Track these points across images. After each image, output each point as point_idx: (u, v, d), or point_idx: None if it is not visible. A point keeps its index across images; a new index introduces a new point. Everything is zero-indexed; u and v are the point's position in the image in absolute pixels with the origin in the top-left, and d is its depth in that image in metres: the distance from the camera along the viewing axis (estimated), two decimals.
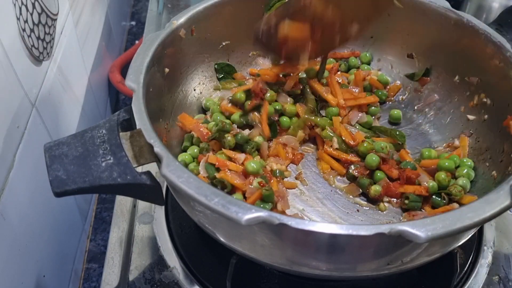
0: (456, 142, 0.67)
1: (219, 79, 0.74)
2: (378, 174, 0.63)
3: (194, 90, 0.71)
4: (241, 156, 0.61)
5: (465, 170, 0.61)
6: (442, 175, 0.61)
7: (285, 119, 0.68)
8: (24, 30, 0.60)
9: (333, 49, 0.76)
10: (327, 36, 0.64)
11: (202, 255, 0.63)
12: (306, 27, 0.63)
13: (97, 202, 0.87)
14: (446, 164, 0.62)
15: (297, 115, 0.69)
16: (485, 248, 0.65)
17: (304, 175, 0.66)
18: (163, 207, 0.68)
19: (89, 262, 0.78)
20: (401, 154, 0.66)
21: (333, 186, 0.64)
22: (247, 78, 0.75)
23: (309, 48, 0.65)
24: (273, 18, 0.63)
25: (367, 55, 0.78)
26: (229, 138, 0.62)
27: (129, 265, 0.63)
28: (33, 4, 0.63)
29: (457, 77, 0.69)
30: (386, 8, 0.68)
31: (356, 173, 0.63)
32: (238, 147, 0.64)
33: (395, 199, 0.62)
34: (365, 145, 0.64)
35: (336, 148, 0.66)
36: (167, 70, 0.63)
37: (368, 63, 0.78)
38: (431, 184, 0.61)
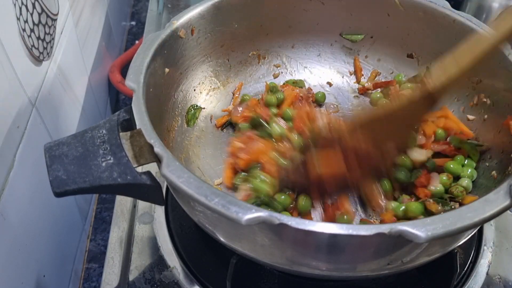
0: None
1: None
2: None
3: (194, 90, 0.71)
4: None
5: (469, 171, 0.61)
6: (443, 177, 0.61)
7: None
8: (24, 30, 0.60)
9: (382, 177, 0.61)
10: (365, 165, 0.56)
11: (202, 255, 0.63)
12: (339, 159, 0.53)
13: (97, 202, 0.87)
14: (452, 166, 0.62)
15: None
16: (485, 248, 0.65)
17: None
18: (163, 207, 0.68)
19: (89, 262, 0.78)
20: None
21: None
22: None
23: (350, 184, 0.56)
24: (298, 156, 0.55)
25: (400, 77, 0.75)
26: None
27: (129, 265, 0.63)
28: (33, 4, 0.63)
29: None
30: (419, 122, 0.61)
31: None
32: None
33: None
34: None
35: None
36: (167, 70, 0.63)
37: (400, 83, 0.74)
38: (438, 188, 0.60)
